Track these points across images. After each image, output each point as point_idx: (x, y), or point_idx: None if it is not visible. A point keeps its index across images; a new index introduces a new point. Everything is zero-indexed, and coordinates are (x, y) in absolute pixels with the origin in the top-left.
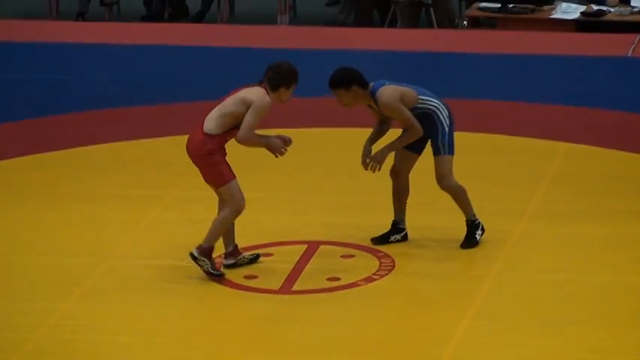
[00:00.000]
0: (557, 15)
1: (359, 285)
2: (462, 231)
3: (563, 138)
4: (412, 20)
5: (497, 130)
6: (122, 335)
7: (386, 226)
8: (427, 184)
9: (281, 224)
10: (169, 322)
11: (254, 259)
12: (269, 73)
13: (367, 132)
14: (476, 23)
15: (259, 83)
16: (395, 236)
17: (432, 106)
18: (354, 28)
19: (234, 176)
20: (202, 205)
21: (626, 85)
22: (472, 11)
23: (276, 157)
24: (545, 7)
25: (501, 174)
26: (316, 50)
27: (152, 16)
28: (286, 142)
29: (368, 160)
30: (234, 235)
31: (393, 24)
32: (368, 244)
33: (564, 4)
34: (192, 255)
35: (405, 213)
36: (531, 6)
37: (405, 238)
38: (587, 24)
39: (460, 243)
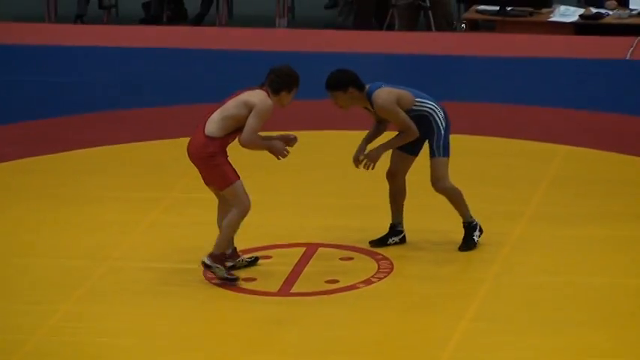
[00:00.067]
0: (555, 18)
1: (357, 287)
2: (460, 233)
3: (562, 140)
4: (410, 23)
5: (495, 133)
6: (121, 337)
7: (384, 229)
8: (424, 186)
9: (279, 226)
10: (168, 325)
11: (253, 261)
12: (270, 77)
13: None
14: (474, 26)
15: (260, 86)
16: (393, 238)
17: (428, 108)
18: (353, 30)
19: (238, 177)
20: (201, 208)
21: (625, 87)
22: (470, 14)
23: (279, 159)
24: (544, 10)
25: (500, 176)
26: (315, 53)
27: (151, 18)
28: (291, 140)
29: (362, 157)
30: (233, 237)
31: (391, 27)
32: (366, 246)
33: (563, 7)
34: (204, 263)
35: (402, 215)
36: (530, 9)
37: (403, 240)
38: (586, 27)
39: (458, 246)
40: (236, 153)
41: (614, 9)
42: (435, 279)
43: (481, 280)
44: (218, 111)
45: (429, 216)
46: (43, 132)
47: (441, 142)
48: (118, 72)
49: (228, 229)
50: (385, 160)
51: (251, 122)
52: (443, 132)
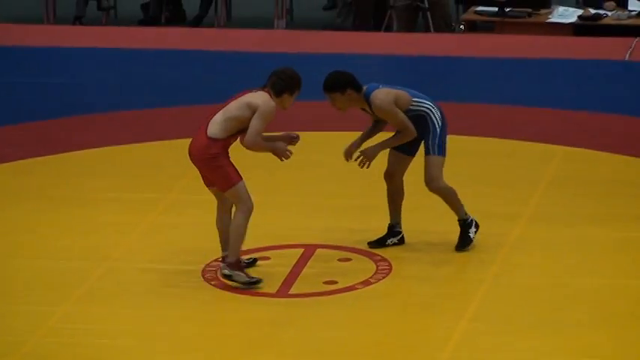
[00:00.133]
0: (554, 19)
1: (356, 288)
2: (458, 233)
3: (561, 141)
4: (409, 24)
5: (494, 134)
6: (120, 339)
7: (382, 230)
8: (422, 187)
9: (278, 227)
10: (167, 326)
11: (251, 263)
12: (272, 79)
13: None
14: (473, 27)
15: (262, 88)
16: (392, 239)
17: (425, 107)
18: (352, 32)
19: (241, 178)
20: (200, 209)
21: (624, 88)
22: (469, 15)
23: (282, 160)
24: (543, 11)
25: (499, 177)
26: (313, 54)
27: (149, 20)
28: (293, 139)
29: (358, 154)
30: None
31: (389, 28)
32: (365, 247)
33: (561, 8)
34: (224, 275)
35: (400, 216)
36: (528, 10)
37: (401, 241)
38: (585, 28)
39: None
40: (235, 153)
41: (613, 10)
42: (434, 280)
43: (480, 281)
44: (220, 112)
45: (427, 216)
46: (41, 133)
47: (437, 140)
48: (117, 73)
49: (236, 234)
50: (382, 161)
51: (255, 124)
52: (439, 131)
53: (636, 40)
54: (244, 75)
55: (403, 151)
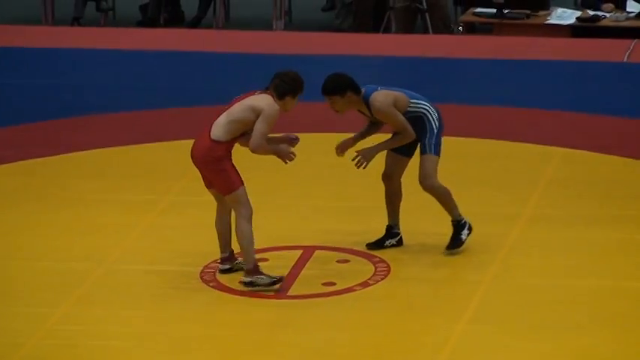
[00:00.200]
0: (552, 20)
1: (354, 290)
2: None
3: (559, 143)
4: (408, 26)
5: (492, 136)
6: (118, 340)
7: (381, 231)
8: (420, 188)
9: (276, 229)
10: (165, 327)
11: None
12: (275, 81)
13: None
14: (471, 29)
15: (265, 90)
16: (390, 240)
17: (423, 108)
18: (350, 33)
19: (242, 183)
20: (199, 210)
21: (622, 90)
22: (467, 17)
23: (286, 163)
24: (541, 13)
25: (498, 179)
26: (312, 55)
27: (148, 21)
28: (293, 141)
29: (356, 153)
30: (230, 240)
31: (388, 30)
32: (363, 249)
33: (560, 10)
34: (245, 283)
35: (398, 217)
36: (527, 11)
37: (400, 242)
38: (583, 29)
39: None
40: (234, 154)
41: (611, 11)
42: (432, 281)
43: (479, 282)
44: (224, 115)
45: (425, 218)
46: (40, 134)
47: (433, 140)
48: (116, 74)
49: (245, 241)
50: (380, 162)
51: (259, 127)
52: (436, 131)
53: (635, 41)
54: (243, 76)
55: (401, 152)
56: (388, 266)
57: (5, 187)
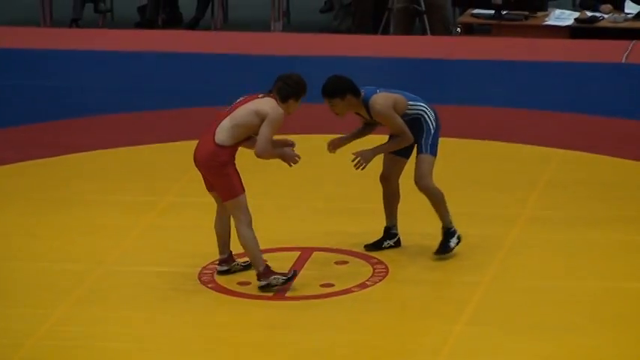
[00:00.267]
0: (551, 21)
1: (352, 291)
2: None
3: (558, 144)
4: (406, 27)
5: (490, 137)
6: (117, 341)
7: (379, 233)
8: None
9: (274, 230)
10: (164, 329)
11: (248, 265)
12: (278, 84)
13: (360, 139)
14: (469, 30)
15: (268, 93)
16: (388, 242)
17: (420, 109)
18: (348, 34)
19: (244, 190)
20: (197, 211)
21: (621, 91)
22: (465, 18)
23: (290, 166)
24: (539, 14)
25: (495, 180)
26: (310, 57)
27: (146, 22)
28: (289, 145)
29: (354, 155)
30: (229, 242)
31: (386, 31)
32: (361, 250)
33: (558, 11)
34: (260, 287)
35: (396, 218)
36: (525, 13)
37: (397, 243)
38: (581, 30)
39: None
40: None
41: (610, 13)
42: (430, 283)
43: (477, 284)
44: (228, 119)
45: (423, 219)
46: (38, 136)
47: (430, 140)
48: (114, 76)
49: (250, 247)
50: (378, 164)
51: (265, 132)
52: (433, 132)
53: (633, 42)
54: (241, 77)
55: (398, 153)
56: (386, 267)
57: (4, 188)
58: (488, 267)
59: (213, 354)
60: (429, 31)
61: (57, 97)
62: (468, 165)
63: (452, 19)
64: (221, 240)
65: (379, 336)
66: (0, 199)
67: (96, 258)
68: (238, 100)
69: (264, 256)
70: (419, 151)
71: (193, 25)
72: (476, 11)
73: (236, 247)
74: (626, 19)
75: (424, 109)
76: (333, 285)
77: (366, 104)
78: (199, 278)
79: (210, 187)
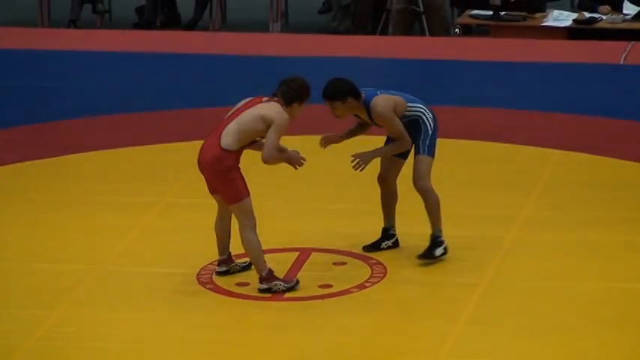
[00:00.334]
0: (549, 22)
1: (351, 292)
2: (452, 237)
3: (556, 145)
4: (405, 28)
5: (488, 138)
6: (114, 342)
7: (377, 234)
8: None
9: (273, 231)
10: (161, 330)
11: (246, 266)
12: (282, 88)
13: (359, 140)
14: (468, 31)
15: (272, 97)
16: (386, 242)
17: (419, 111)
18: (347, 35)
19: (249, 193)
20: (195, 212)
21: (619, 92)
22: (464, 19)
23: (296, 169)
24: (537, 15)
25: (493, 181)
26: (308, 58)
27: (144, 23)
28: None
29: (354, 156)
30: (229, 243)
31: (385, 32)
32: (359, 251)
33: (556, 12)
34: (261, 290)
35: (394, 219)
36: (523, 14)
37: (396, 244)
38: (580, 31)
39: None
40: None
41: (608, 14)
42: (429, 283)
43: (475, 285)
44: (233, 123)
45: (421, 219)
46: (36, 136)
47: (428, 141)
48: (112, 77)
49: (254, 251)
50: (377, 165)
51: (272, 138)
52: (431, 133)
53: (631, 43)
54: (239, 78)
55: (396, 154)
56: (385, 268)
57: (3, 188)
58: (488, 268)
59: (211, 354)
60: (427, 32)
61: (55, 98)
62: (466, 166)
63: (450, 20)
64: (221, 242)
65: (378, 337)
66: None
67: (95, 259)
68: (242, 103)
69: (264, 257)
70: (417, 152)
71: (191, 25)
72: (474, 12)
73: (234, 247)
74: (625, 20)
75: (422, 110)
76: (331, 286)
77: (366, 106)
78: (198, 279)
79: (213, 190)
